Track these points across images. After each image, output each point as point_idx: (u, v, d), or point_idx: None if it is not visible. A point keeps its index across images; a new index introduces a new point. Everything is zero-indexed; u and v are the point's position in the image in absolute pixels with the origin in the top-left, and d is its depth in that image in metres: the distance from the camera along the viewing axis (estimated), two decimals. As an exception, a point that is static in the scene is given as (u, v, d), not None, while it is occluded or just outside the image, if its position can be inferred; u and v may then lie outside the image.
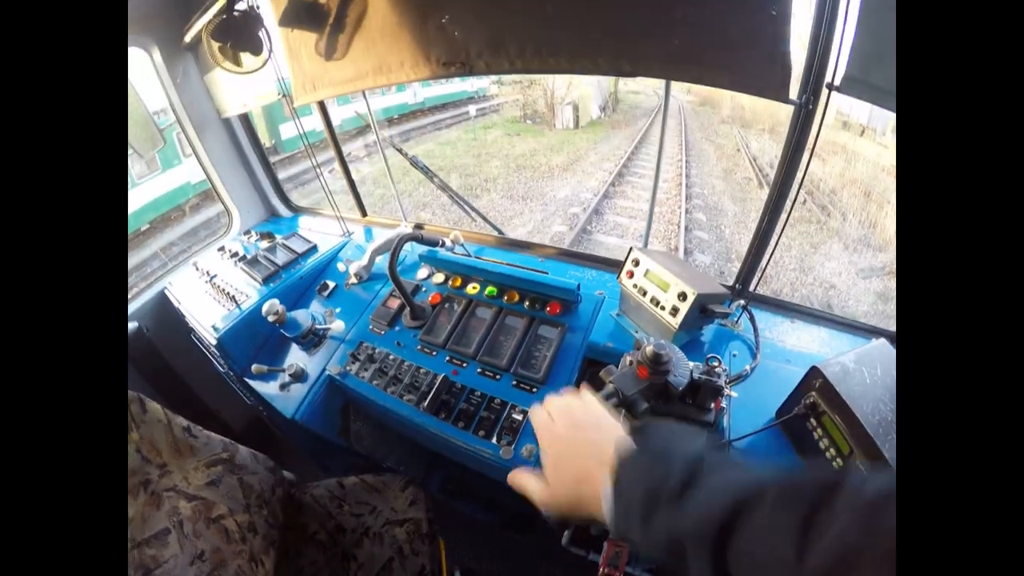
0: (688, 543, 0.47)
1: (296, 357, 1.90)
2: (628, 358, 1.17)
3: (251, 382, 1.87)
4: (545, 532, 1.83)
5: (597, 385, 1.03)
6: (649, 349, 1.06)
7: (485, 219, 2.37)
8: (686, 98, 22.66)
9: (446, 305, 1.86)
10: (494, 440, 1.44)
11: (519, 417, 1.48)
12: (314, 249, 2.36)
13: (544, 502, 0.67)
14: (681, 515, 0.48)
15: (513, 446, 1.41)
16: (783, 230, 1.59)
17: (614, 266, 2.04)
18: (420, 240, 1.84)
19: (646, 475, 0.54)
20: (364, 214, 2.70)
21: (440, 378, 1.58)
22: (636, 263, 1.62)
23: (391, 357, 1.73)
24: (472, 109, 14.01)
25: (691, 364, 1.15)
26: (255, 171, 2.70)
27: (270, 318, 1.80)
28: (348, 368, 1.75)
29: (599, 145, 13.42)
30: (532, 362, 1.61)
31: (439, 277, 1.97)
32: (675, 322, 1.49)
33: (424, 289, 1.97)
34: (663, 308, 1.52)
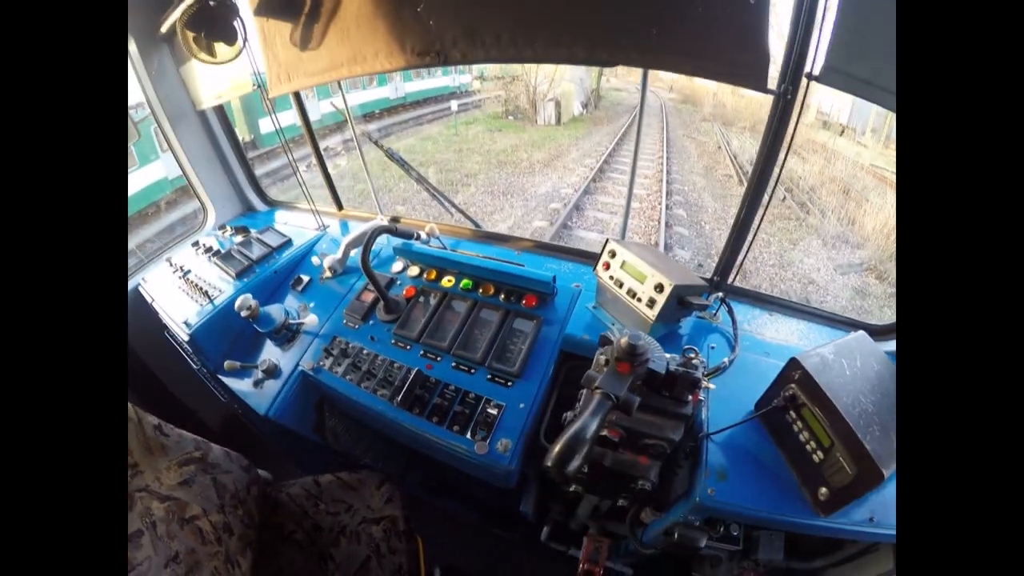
0: None
1: (270, 353, 1.86)
2: (601, 357, 1.15)
3: (224, 379, 1.82)
4: (526, 528, 1.83)
5: (574, 385, 0.99)
6: (624, 341, 1.04)
7: (462, 212, 2.35)
8: (668, 96, 22.83)
9: (421, 299, 1.85)
10: (468, 435, 1.43)
11: (494, 412, 1.47)
12: (289, 243, 2.31)
13: None
14: None
15: (488, 441, 1.40)
16: (761, 222, 1.59)
17: (591, 259, 2.03)
18: (394, 232, 1.82)
19: None
20: (340, 208, 2.65)
21: (414, 372, 1.56)
22: (612, 254, 1.62)
23: (365, 352, 1.70)
24: (454, 104, 13.87)
25: (667, 356, 1.14)
26: (231, 165, 2.63)
27: (243, 313, 1.75)
28: (321, 363, 1.72)
29: (581, 141, 13.39)
30: (507, 355, 1.60)
31: (414, 270, 1.95)
32: (652, 314, 1.48)
33: (399, 282, 1.95)
34: (639, 300, 1.51)
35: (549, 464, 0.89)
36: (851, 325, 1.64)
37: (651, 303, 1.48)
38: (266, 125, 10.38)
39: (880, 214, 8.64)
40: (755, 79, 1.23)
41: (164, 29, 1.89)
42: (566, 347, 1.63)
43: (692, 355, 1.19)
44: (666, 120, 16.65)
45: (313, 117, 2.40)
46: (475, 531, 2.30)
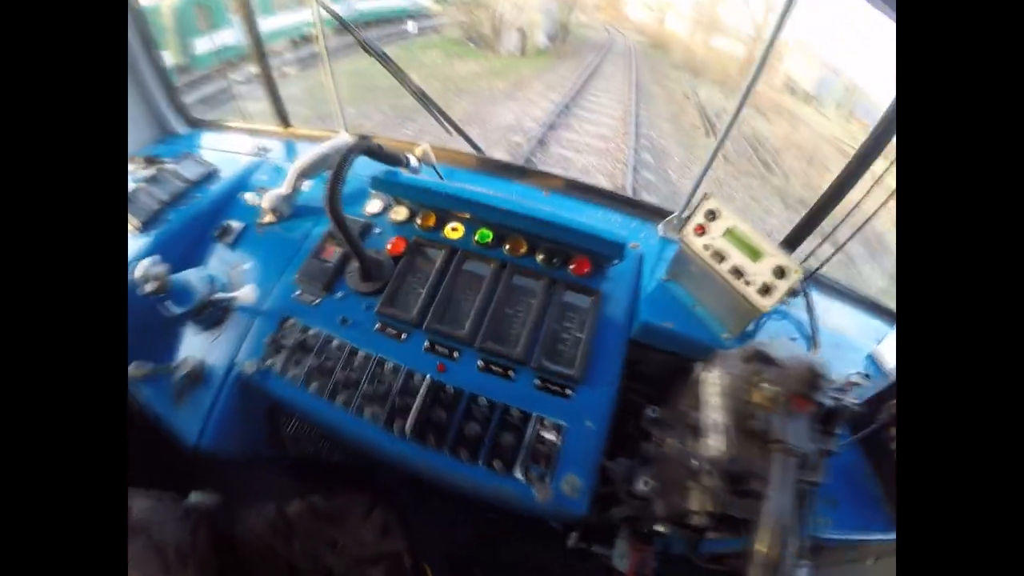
0: None
1: (191, 345, 1.23)
2: (724, 380, 0.78)
3: (132, 391, 1.20)
4: (547, 534, 1.37)
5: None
6: (806, 367, 0.70)
7: (460, 130, 1.69)
8: (637, 39, 21.92)
9: (415, 257, 1.24)
10: (519, 473, 0.95)
11: (552, 436, 0.98)
12: (214, 175, 1.59)
13: None
14: None
15: (550, 480, 0.94)
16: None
17: (644, 211, 1.52)
18: (374, 154, 1.19)
19: None
20: (286, 125, 1.92)
21: (425, 382, 1.01)
22: (712, 216, 1.11)
23: (334, 343, 1.11)
24: (411, 25, 12.37)
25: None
26: (142, 77, 1.78)
27: (147, 287, 1.09)
28: (268, 362, 1.12)
29: (545, 74, 12.57)
30: (560, 349, 1.09)
31: (400, 212, 1.33)
32: (766, 304, 1.05)
33: (379, 231, 1.32)
34: (749, 284, 1.06)
35: (759, 570, 0.59)
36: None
37: (766, 290, 1.05)
38: (201, 45, 8.76)
39: (841, 183, 8.67)
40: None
41: None
42: (639, 336, 1.13)
43: (857, 378, 0.90)
44: (636, 64, 16.01)
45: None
46: (484, 538, 1.83)
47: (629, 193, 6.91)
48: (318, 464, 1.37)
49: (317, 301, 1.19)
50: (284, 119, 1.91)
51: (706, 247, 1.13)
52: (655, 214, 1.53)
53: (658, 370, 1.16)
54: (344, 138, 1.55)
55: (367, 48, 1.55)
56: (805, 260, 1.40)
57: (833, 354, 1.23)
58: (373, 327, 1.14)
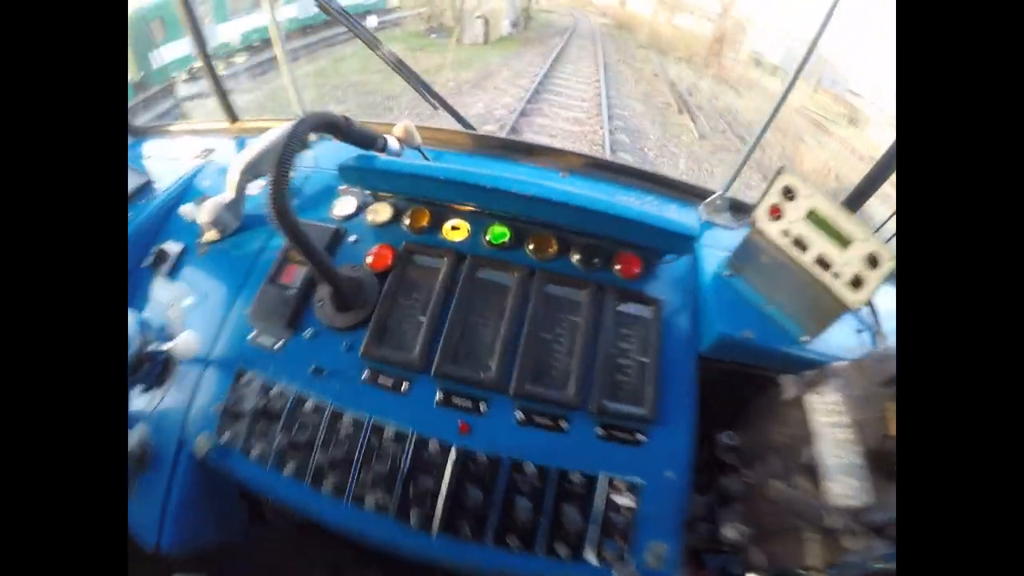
0: None
1: (132, 412, 0.92)
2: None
3: None
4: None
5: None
6: None
7: (447, 106, 1.38)
8: (601, 20, 21.64)
9: (409, 271, 0.94)
10: (591, 556, 0.71)
11: (626, 501, 0.73)
12: (147, 187, 1.25)
13: None
14: None
15: (631, 556, 0.71)
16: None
17: (680, 192, 1.26)
18: (338, 131, 0.87)
19: None
20: (234, 119, 1.58)
21: (444, 452, 0.73)
22: (789, 194, 0.86)
23: (309, 406, 0.81)
24: (372, 20, 11.87)
25: None
26: None
27: None
28: (225, 437, 0.81)
29: (512, 61, 12.23)
30: (621, 380, 0.81)
31: (382, 211, 1.02)
32: (858, 299, 0.83)
33: (355, 239, 1.00)
34: (837, 276, 0.83)
35: None
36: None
37: (856, 283, 0.84)
38: (158, 58, 8.15)
39: (817, 153, 8.62)
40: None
41: None
42: (709, 351, 0.87)
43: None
44: (602, 46, 15.86)
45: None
46: None
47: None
48: (320, 536, 1.07)
49: (279, 344, 0.88)
50: (231, 113, 1.57)
51: (784, 233, 0.88)
52: (690, 194, 1.27)
53: (717, 381, 0.92)
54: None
55: (326, 9, 1.23)
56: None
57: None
58: (360, 377, 0.83)
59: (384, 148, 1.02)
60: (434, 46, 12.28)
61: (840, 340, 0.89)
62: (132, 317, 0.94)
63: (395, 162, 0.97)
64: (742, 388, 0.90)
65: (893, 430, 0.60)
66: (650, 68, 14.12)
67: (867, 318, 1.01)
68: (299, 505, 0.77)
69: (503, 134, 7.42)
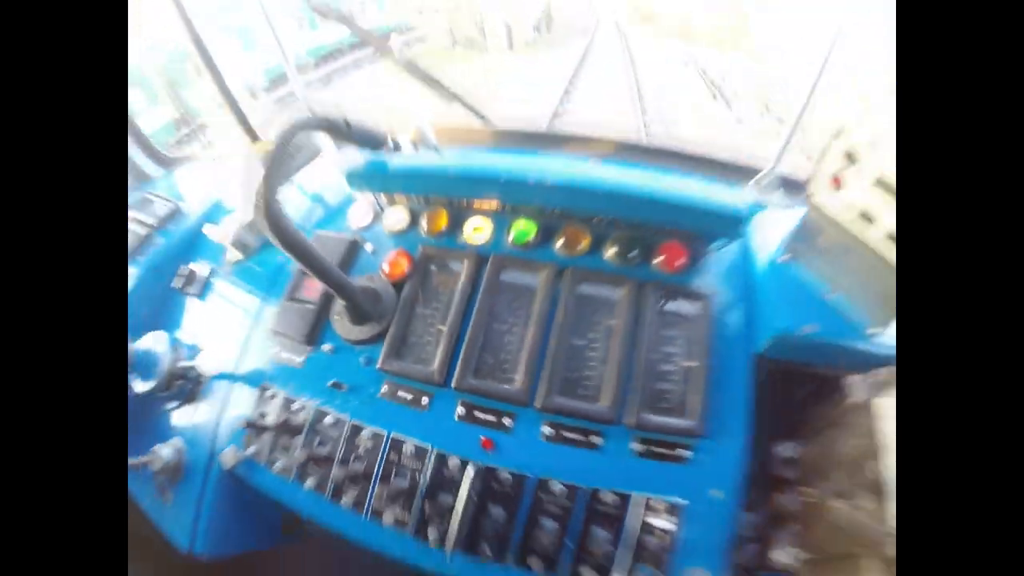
0: None
1: (168, 427, 0.95)
2: None
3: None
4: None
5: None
6: None
7: (460, 100, 1.33)
8: (623, 15, 21.32)
9: (427, 278, 0.89)
10: None
11: (665, 524, 0.64)
12: (177, 213, 1.29)
13: None
14: None
15: None
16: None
17: (726, 171, 1.15)
18: (339, 132, 0.80)
19: None
20: (254, 138, 1.60)
21: (465, 469, 0.67)
22: (852, 159, 0.73)
23: (329, 420, 0.78)
24: (396, 40, 12.24)
25: None
26: None
27: None
28: (250, 451, 0.79)
29: (538, 64, 12.31)
30: (664, 389, 0.73)
31: (399, 215, 0.98)
32: None
33: (371, 248, 0.97)
34: None
35: None
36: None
37: None
38: (195, 96, 8.82)
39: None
40: None
41: None
42: (769, 351, 0.76)
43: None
44: (626, 43, 15.67)
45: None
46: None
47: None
48: (353, 552, 1.05)
49: (300, 360, 0.86)
50: (252, 134, 1.59)
51: (849, 207, 0.76)
52: (736, 174, 1.15)
53: (772, 384, 0.80)
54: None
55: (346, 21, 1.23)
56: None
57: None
58: (378, 391, 0.79)
59: (395, 148, 0.98)
60: (460, 57, 12.51)
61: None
62: (164, 336, 0.95)
63: (414, 164, 0.92)
64: (801, 391, 0.79)
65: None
66: (679, 57, 13.83)
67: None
68: (320, 518, 0.74)
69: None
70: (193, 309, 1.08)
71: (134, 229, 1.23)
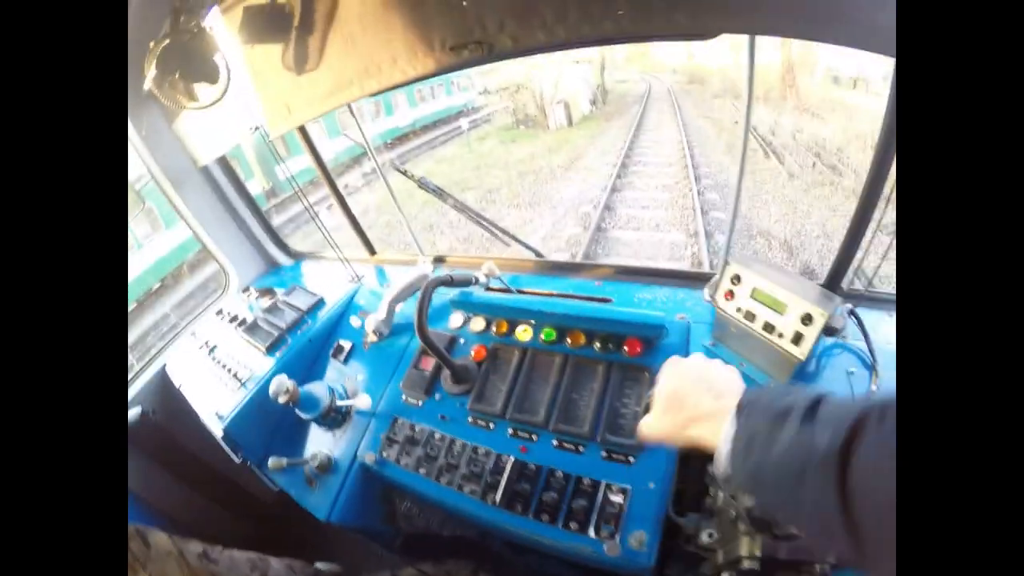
0: (814, 457, 0.48)
1: (319, 441, 1.57)
2: None
3: (271, 479, 1.56)
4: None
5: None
6: None
7: (516, 239, 2.01)
8: (673, 79, 22.22)
9: (495, 360, 1.51)
10: (592, 532, 1.11)
11: (618, 499, 1.13)
12: (320, 303, 2.01)
13: (650, 429, 0.79)
14: (808, 428, 0.51)
15: (618, 537, 1.08)
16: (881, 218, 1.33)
17: (689, 280, 1.68)
18: (451, 283, 1.50)
19: (771, 406, 0.59)
20: (373, 252, 2.36)
21: (510, 462, 1.24)
22: (737, 280, 1.25)
23: (437, 436, 1.38)
24: (464, 122, 13.75)
25: None
26: (246, 221, 2.38)
27: (280, 399, 1.46)
28: (385, 454, 1.40)
29: (597, 139, 13.12)
30: (621, 423, 1.25)
31: (478, 323, 1.62)
32: (800, 352, 1.14)
33: (463, 341, 1.61)
34: (781, 336, 1.17)
35: None
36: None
37: (797, 339, 1.15)
38: (284, 170, 10.35)
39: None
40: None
41: (147, 85, 1.60)
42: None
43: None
44: (677, 104, 16.21)
45: (328, 157, 2.13)
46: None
47: (702, 239, 6.91)
48: (428, 538, 1.61)
49: (420, 403, 1.49)
50: (370, 248, 2.36)
51: (738, 310, 1.25)
52: (702, 280, 1.67)
53: None
54: (423, 269, 1.92)
55: (408, 175, 1.99)
56: (851, 284, 1.48)
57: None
58: (467, 420, 1.40)
59: (477, 283, 1.66)
60: (524, 136, 13.48)
61: (830, 386, 1.21)
62: (323, 385, 1.60)
63: (484, 296, 1.62)
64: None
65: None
66: (728, 116, 13.99)
67: (867, 356, 1.24)
68: (426, 493, 1.31)
69: (597, 215, 7.91)
70: (340, 369, 1.75)
71: (289, 311, 1.96)
